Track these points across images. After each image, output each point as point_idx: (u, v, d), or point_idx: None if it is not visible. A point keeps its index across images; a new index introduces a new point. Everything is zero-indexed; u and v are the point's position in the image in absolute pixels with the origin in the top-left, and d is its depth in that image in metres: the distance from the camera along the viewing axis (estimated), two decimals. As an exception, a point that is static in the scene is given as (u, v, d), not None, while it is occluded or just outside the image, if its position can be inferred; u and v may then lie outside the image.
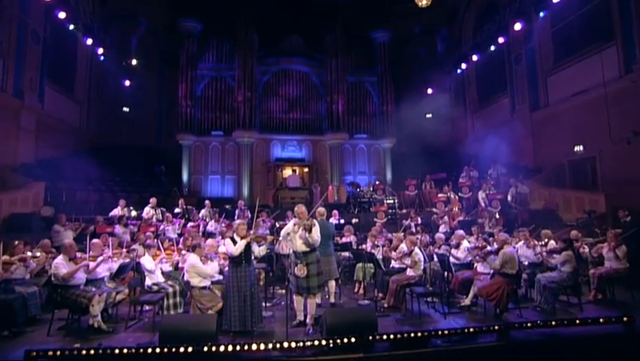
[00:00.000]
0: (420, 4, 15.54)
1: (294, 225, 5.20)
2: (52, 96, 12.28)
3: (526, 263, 6.75)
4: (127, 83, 14.59)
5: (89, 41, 11.51)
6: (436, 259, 7.19)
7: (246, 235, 5.12)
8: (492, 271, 5.90)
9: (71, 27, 10.82)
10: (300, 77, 16.10)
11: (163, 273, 6.07)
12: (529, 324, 4.74)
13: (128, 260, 5.87)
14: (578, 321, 4.85)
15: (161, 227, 9.20)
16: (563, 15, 11.84)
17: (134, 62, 14.77)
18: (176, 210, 10.89)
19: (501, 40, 12.75)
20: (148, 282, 5.82)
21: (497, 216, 10.27)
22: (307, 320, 5.22)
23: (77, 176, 11.01)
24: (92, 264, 5.35)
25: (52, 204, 9.40)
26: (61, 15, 10.21)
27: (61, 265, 4.97)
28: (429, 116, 18.23)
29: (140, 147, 15.56)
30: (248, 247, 5.06)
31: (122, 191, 11.78)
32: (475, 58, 14.35)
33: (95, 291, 5.11)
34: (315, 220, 5.29)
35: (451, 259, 6.70)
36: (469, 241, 7.24)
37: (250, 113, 14.92)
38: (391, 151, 16.92)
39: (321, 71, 16.19)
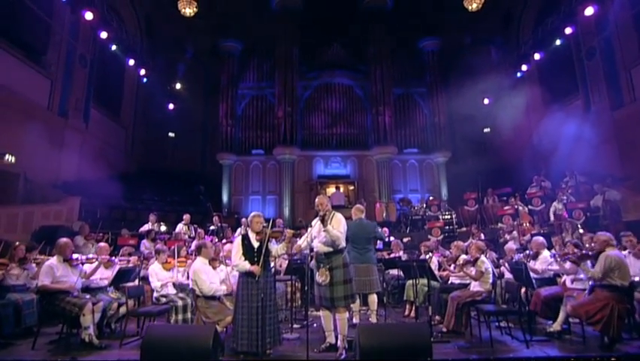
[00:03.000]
0: (470, 7, 14.52)
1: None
2: (98, 119, 12.61)
3: (637, 279, 5.03)
4: (170, 106, 14.85)
5: (131, 62, 11.76)
6: (507, 275, 5.69)
7: (261, 231, 4.15)
8: (590, 283, 4.35)
9: (114, 47, 11.11)
10: (343, 90, 15.40)
11: (175, 285, 5.22)
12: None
13: (131, 265, 5.09)
14: None
15: (193, 244, 8.61)
16: (647, -8, 10.11)
17: (178, 86, 15.09)
18: (211, 227, 10.34)
19: (568, 30, 11.22)
20: (155, 293, 5.00)
21: (581, 229, 8.40)
22: (338, 343, 4.03)
23: (116, 195, 10.91)
24: (89, 268, 4.65)
25: (86, 219, 9.18)
26: (103, 35, 10.50)
27: (50, 268, 4.28)
28: (487, 130, 16.69)
29: (183, 170, 15.56)
30: (262, 248, 4.05)
31: (160, 210, 11.47)
32: (537, 56, 12.85)
33: (88, 298, 4.33)
34: (337, 213, 4.21)
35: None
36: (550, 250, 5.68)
37: (291, 129, 14.34)
38: (446, 166, 15.39)
39: (365, 82, 15.39)
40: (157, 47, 15.26)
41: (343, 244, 4.10)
